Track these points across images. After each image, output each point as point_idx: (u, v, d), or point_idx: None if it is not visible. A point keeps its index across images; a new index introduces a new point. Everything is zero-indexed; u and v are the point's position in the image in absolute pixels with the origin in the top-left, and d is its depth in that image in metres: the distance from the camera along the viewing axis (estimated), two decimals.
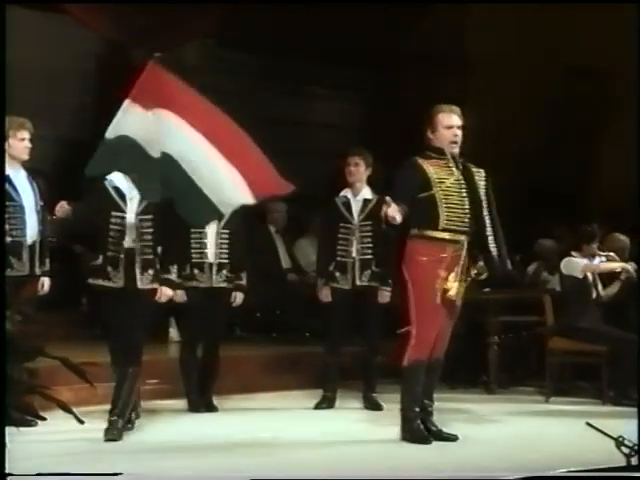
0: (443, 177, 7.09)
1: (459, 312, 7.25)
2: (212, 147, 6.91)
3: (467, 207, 7.09)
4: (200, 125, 6.95)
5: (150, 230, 7.07)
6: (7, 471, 4.84)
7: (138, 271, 7.06)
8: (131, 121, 6.95)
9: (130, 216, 7.05)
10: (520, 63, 13.17)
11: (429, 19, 13.71)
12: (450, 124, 7.16)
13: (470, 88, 13.52)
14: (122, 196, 7.09)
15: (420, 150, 7.22)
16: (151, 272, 7.08)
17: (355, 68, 13.38)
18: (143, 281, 7.05)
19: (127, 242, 7.05)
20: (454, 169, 7.13)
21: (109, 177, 7.11)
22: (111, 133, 7.00)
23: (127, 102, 6.97)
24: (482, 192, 7.16)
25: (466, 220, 7.08)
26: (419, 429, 7.10)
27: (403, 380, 7.18)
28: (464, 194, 7.10)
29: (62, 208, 7.15)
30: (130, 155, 6.94)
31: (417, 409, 7.11)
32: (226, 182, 6.83)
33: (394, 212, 6.74)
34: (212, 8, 11.91)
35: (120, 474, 5.23)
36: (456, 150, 7.18)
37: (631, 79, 12.85)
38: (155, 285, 7.11)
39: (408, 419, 7.10)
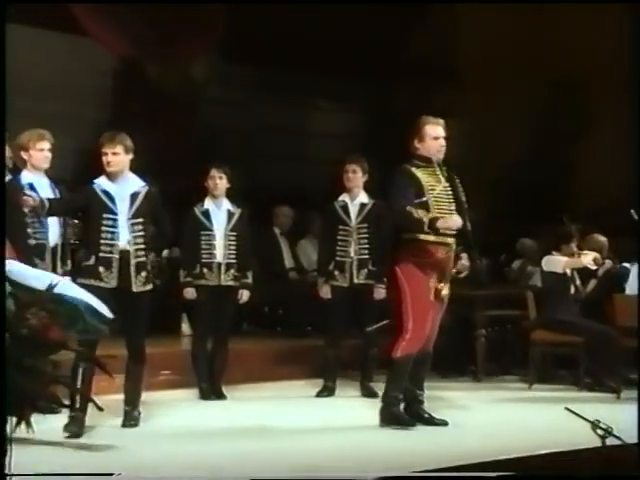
0: (433, 184, 7.08)
1: (445, 307, 7.26)
2: None
3: (454, 212, 7.08)
4: None
5: (141, 233, 6.91)
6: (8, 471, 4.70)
7: (133, 274, 6.86)
8: None
9: (122, 218, 6.85)
10: (508, 73, 13.19)
11: (423, 34, 13.74)
12: (437, 135, 7.14)
13: (461, 97, 13.55)
14: (111, 198, 6.87)
15: (407, 158, 7.18)
16: (144, 274, 6.90)
17: (353, 81, 13.41)
18: (137, 284, 6.85)
19: (122, 244, 6.85)
20: (440, 176, 7.13)
21: (96, 181, 6.91)
22: None
23: None
24: (463, 197, 7.15)
25: None
26: (400, 413, 7.09)
27: (392, 370, 7.16)
28: (451, 199, 7.10)
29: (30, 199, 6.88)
30: None
31: (400, 396, 7.10)
32: None
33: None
34: (217, 25, 11.96)
35: (119, 474, 5.06)
36: (441, 158, 7.18)
37: (610, 90, 12.92)
38: (148, 287, 6.91)
39: (390, 404, 7.08)
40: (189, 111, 12.60)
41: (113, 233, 6.83)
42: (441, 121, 7.22)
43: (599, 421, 5.50)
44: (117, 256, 6.82)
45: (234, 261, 8.46)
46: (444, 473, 5.42)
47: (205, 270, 8.42)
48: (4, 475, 4.66)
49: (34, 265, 7.40)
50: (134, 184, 6.95)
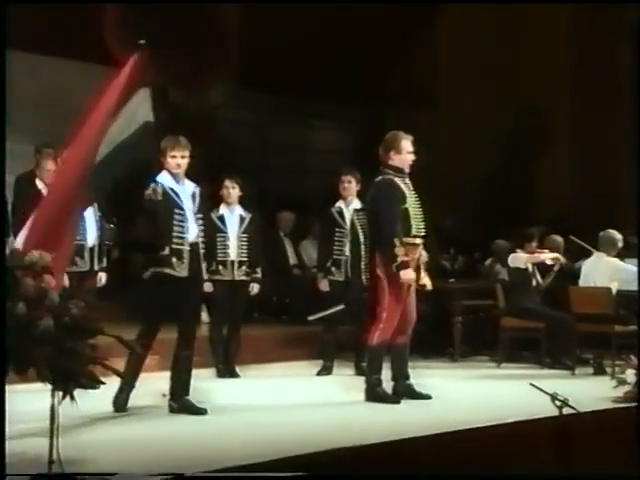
0: (409, 193, 7.03)
1: (423, 297, 7.27)
2: None
3: (422, 216, 7.03)
4: None
5: (202, 227, 6.75)
6: (7, 471, 4.58)
7: (203, 264, 6.76)
8: None
9: (189, 213, 6.61)
10: (480, 102, 13.29)
11: (406, 68, 13.84)
12: (411, 150, 7.08)
13: (440, 120, 13.62)
14: (178, 196, 6.63)
15: (382, 169, 7.07)
16: (204, 266, 6.78)
17: (348, 105, 13.46)
18: (204, 273, 6.70)
19: (192, 237, 6.59)
20: (410, 186, 7.08)
21: (160, 179, 6.62)
22: None
23: None
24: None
25: (422, 227, 7.04)
26: (383, 392, 7.08)
27: (370, 355, 7.15)
28: (419, 206, 7.04)
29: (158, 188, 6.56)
30: None
31: (381, 377, 7.09)
32: None
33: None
34: (232, 58, 11.99)
35: (116, 474, 4.74)
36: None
37: (563, 117, 13.07)
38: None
39: (372, 384, 7.09)
40: (207, 130, 12.62)
41: (183, 227, 6.56)
42: (411, 137, 7.14)
43: (557, 394, 5.54)
44: (188, 248, 6.55)
45: (245, 259, 8.49)
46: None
47: (220, 267, 8.44)
48: (4, 475, 4.57)
49: (75, 262, 7.47)
50: (190, 184, 6.74)
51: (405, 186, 7.05)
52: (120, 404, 6.57)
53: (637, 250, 9.68)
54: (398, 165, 7.07)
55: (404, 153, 7.06)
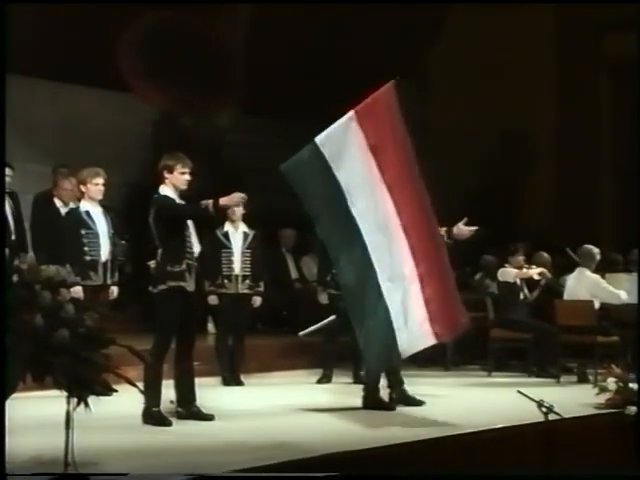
0: None
1: None
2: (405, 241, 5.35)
3: None
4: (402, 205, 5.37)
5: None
6: (7, 471, 4.51)
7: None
8: (345, 138, 5.75)
9: (192, 232, 6.45)
10: (467, 123, 13.35)
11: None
12: None
13: (429, 147, 13.69)
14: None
15: None
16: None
17: None
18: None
19: (196, 252, 6.46)
20: None
21: (170, 196, 6.40)
22: (322, 139, 5.94)
23: (350, 114, 5.67)
24: None
25: None
26: (379, 398, 7.10)
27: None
28: None
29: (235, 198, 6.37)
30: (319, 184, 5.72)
31: (378, 385, 7.10)
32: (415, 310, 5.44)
33: None
34: (238, 85, 12.04)
35: (126, 474, 4.70)
36: None
37: (545, 140, 13.13)
38: None
39: (369, 391, 7.11)
40: (214, 152, 12.67)
41: (192, 243, 6.43)
42: None
43: (543, 401, 5.56)
44: (195, 263, 6.42)
45: (249, 273, 8.47)
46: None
47: (225, 281, 8.42)
48: (4, 475, 4.52)
49: (88, 277, 7.47)
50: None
51: None
52: (155, 416, 6.31)
53: (618, 265, 9.73)
54: None
55: None
